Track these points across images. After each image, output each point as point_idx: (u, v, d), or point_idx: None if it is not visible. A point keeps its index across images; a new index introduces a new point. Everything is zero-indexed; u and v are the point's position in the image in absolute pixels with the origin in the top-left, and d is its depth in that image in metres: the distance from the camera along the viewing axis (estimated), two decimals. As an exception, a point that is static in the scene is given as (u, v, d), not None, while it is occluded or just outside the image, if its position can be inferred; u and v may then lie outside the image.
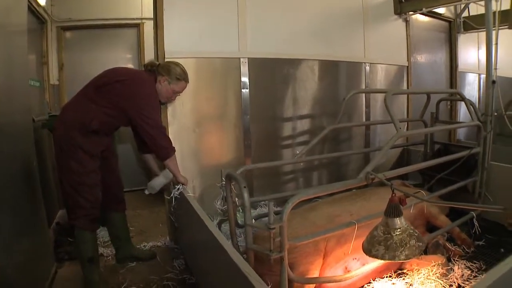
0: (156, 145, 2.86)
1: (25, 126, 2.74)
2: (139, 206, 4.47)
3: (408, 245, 1.95)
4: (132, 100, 2.77)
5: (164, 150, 2.90)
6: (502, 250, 3.11)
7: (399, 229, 1.99)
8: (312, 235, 2.23)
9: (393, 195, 2.04)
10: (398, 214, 2.01)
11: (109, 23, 5.32)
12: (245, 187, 2.14)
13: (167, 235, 3.56)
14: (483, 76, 6.35)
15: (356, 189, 3.06)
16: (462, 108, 5.98)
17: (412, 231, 2.03)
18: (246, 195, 2.11)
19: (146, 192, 3.17)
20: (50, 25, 5.02)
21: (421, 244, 2.02)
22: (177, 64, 3.07)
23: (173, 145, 2.96)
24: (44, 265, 2.85)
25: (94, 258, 2.85)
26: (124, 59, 5.49)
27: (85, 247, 2.81)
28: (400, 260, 1.93)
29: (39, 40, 4.86)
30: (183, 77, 3.06)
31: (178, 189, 3.03)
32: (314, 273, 2.44)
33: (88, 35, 5.30)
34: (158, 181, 3.12)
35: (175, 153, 2.98)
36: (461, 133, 6.07)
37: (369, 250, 2.00)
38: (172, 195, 3.09)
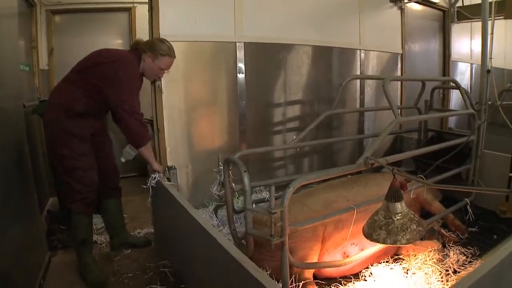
0: (130, 132, 2.78)
1: (16, 111, 2.67)
2: (131, 193, 4.40)
3: (409, 230, 1.95)
4: (111, 83, 2.70)
5: (138, 138, 2.82)
6: (495, 236, 3.15)
7: (400, 214, 1.98)
8: (312, 220, 2.23)
9: (394, 179, 2.04)
10: (399, 198, 2.00)
11: (100, 6, 5.22)
12: (245, 171, 2.11)
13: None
14: (475, 65, 6.41)
15: (351, 175, 3.04)
16: (453, 96, 6.02)
17: (412, 215, 2.03)
18: (246, 179, 2.08)
19: (122, 159, 3.14)
20: (40, 8, 4.89)
21: (421, 228, 2.02)
22: (162, 40, 2.97)
23: (167, 129, 2.95)
24: (37, 253, 2.81)
25: (87, 240, 2.85)
26: (115, 44, 5.38)
27: (80, 230, 2.81)
28: (401, 244, 1.93)
29: (28, 24, 4.73)
30: (167, 53, 2.92)
31: (154, 178, 2.94)
32: (313, 258, 2.45)
33: (78, 19, 5.19)
34: (126, 153, 3.11)
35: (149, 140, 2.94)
36: (451, 122, 6.11)
37: (370, 234, 1.99)
38: (148, 184, 2.98)
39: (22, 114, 2.84)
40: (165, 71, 3.02)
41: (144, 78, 2.99)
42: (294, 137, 3.19)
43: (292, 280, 2.33)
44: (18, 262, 2.30)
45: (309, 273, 2.40)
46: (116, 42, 5.44)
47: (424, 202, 3.15)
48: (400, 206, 2.00)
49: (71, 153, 2.72)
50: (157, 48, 2.89)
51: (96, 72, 2.71)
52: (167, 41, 2.97)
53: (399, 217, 1.97)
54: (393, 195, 2.00)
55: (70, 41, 5.13)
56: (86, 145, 2.79)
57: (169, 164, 3.32)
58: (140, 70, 2.90)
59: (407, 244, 1.95)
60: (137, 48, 2.93)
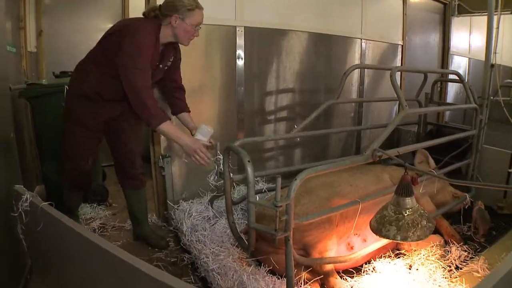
0: (138, 110, 2.41)
1: (1, 94, 2.50)
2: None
3: (419, 226, 1.88)
4: (118, 53, 2.36)
5: (148, 117, 2.41)
6: (494, 232, 3.13)
7: (410, 209, 1.91)
8: (320, 213, 2.13)
9: (406, 173, 1.95)
10: (410, 193, 1.93)
11: (92, -13, 5.01)
12: (249, 161, 1.99)
13: (153, 211, 3.39)
14: (473, 60, 6.38)
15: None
16: (450, 90, 5.99)
17: (422, 211, 1.96)
18: (250, 169, 1.95)
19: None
20: (28, -13, 4.69)
21: (431, 224, 1.95)
22: None
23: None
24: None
25: (73, 210, 2.89)
26: (107, 29, 5.17)
27: (66, 200, 2.84)
28: (412, 241, 1.86)
29: (15, 3, 4.52)
30: (195, 5, 2.50)
31: (26, 199, 2.09)
32: (333, 249, 2.37)
33: (69, 0, 4.98)
34: None
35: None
36: (445, 115, 6.10)
37: (380, 230, 1.91)
38: (20, 209, 2.11)
39: (8, 97, 2.68)
40: (199, 26, 2.59)
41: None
42: (296, 126, 3.08)
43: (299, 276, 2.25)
44: (2, 251, 2.16)
45: (329, 265, 2.33)
46: (108, 26, 5.20)
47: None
48: (410, 201, 1.93)
49: (68, 134, 2.64)
50: (180, 5, 2.47)
51: (108, 44, 2.47)
52: None
53: (409, 213, 1.90)
54: (404, 189, 1.93)
55: (60, 23, 4.90)
56: (85, 133, 2.62)
57: (163, 152, 3.19)
58: (164, 37, 2.55)
59: (417, 240, 1.87)
60: (155, 16, 2.55)
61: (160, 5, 2.54)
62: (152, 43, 2.45)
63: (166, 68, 2.72)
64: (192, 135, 2.68)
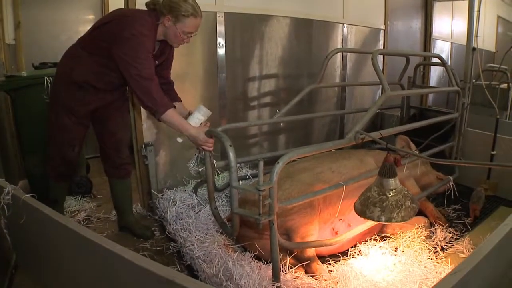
0: (140, 99, 2.34)
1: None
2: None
3: (403, 206, 1.88)
4: (116, 42, 2.30)
5: (152, 105, 2.33)
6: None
7: (394, 190, 1.91)
8: (303, 196, 2.13)
9: (388, 154, 1.95)
10: (393, 174, 1.93)
11: (70, -22, 4.90)
12: (230, 145, 1.97)
13: (138, 202, 3.36)
14: (456, 45, 6.42)
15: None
16: (433, 75, 6.02)
17: (406, 192, 1.96)
18: (232, 154, 1.94)
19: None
20: (4, -23, 4.57)
21: (415, 205, 1.96)
22: None
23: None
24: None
25: (58, 202, 2.85)
26: (86, 20, 5.08)
27: (51, 191, 2.79)
28: (396, 221, 1.86)
29: (-9, -5, 4.42)
30: (191, 13, 2.37)
31: (8, 192, 2.06)
32: (315, 234, 2.36)
33: (47, -10, 4.87)
34: (192, 119, 2.52)
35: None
36: (428, 99, 6.12)
37: (364, 211, 1.91)
38: (1, 203, 2.07)
39: (-13, 91, 2.62)
40: (192, 34, 2.50)
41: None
42: (278, 111, 3.05)
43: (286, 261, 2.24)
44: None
45: (311, 251, 2.32)
46: (88, 17, 5.14)
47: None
48: (394, 182, 1.93)
49: (54, 121, 2.56)
50: (177, 8, 2.37)
51: (102, 33, 2.38)
52: None
53: (393, 194, 1.90)
54: (387, 171, 1.92)
55: (38, 15, 4.79)
56: (72, 119, 2.54)
57: (145, 140, 3.14)
58: (158, 34, 2.47)
59: (402, 221, 1.87)
60: (154, 9, 2.45)
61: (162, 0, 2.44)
62: (151, 35, 2.38)
63: (158, 64, 2.64)
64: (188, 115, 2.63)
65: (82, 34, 2.55)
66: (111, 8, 4.91)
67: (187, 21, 2.39)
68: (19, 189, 2.10)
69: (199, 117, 2.53)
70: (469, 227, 2.92)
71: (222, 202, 3.07)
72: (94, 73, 2.42)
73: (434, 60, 4.42)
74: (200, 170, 2.71)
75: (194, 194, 3.08)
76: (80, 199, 3.53)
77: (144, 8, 2.49)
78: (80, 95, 2.50)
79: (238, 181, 2.96)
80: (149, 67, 2.32)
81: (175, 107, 2.48)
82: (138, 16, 2.38)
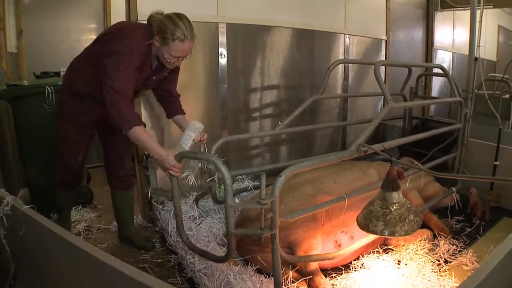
0: (111, 111, 2.20)
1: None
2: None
3: (407, 220, 1.86)
4: (104, 55, 2.26)
5: (119, 120, 2.20)
6: (483, 223, 3.15)
7: (397, 204, 1.89)
8: (305, 210, 2.10)
9: (391, 167, 1.93)
10: (396, 188, 1.91)
11: (73, -14, 4.92)
12: (223, 163, 1.86)
13: (139, 213, 3.34)
14: (457, 55, 6.42)
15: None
16: (435, 85, 6.01)
17: (409, 205, 1.94)
18: (225, 171, 1.79)
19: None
20: (8, -14, 4.59)
21: (418, 219, 1.94)
22: (175, 19, 2.30)
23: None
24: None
25: (63, 211, 2.88)
26: (88, 29, 5.11)
27: (57, 201, 2.83)
28: (399, 235, 1.84)
29: (-6, 3, 4.44)
30: (177, 37, 2.27)
31: (7, 203, 2.01)
32: (318, 248, 2.33)
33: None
34: (184, 137, 2.54)
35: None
36: (430, 110, 6.11)
37: (367, 225, 1.88)
38: (1, 213, 2.04)
39: (-12, 99, 2.62)
40: (183, 58, 2.43)
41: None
42: (280, 122, 3.04)
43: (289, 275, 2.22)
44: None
45: (314, 264, 2.29)
46: (90, 26, 5.16)
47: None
48: (397, 196, 1.91)
49: (58, 132, 2.60)
50: (164, 30, 2.28)
51: (100, 45, 2.38)
52: (185, 18, 2.34)
53: (396, 207, 1.88)
54: (390, 184, 1.91)
55: (40, 23, 4.81)
56: (75, 129, 2.56)
57: (146, 152, 3.13)
58: (153, 51, 2.41)
59: (405, 235, 1.85)
60: (151, 25, 2.38)
61: (157, 16, 2.36)
62: (140, 51, 2.31)
63: (161, 79, 2.64)
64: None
65: (84, 44, 2.59)
66: (113, 18, 4.97)
67: (173, 45, 2.30)
68: (18, 200, 2.08)
69: (190, 135, 2.53)
70: (477, 230, 2.94)
71: (223, 214, 3.04)
72: (93, 84, 2.38)
73: (436, 70, 4.41)
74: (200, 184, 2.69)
75: (195, 206, 3.06)
76: (81, 209, 3.52)
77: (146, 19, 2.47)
78: (82, 105, 2.51)
79: (237, 194, 2.95)
80: (125, 82, 2.22)
81: (145, 125, 2.43)
82: (132, 31, 2.35)
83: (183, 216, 2.94)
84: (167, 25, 2.28)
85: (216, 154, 2.56)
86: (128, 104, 2.26)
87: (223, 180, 1.85)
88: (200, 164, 2.56)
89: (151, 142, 2.25)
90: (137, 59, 2.29)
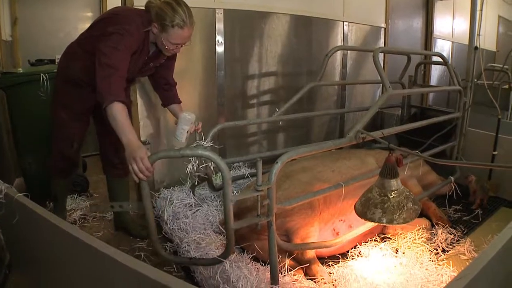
0: (101, 83, 2.06)
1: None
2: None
3: (405, 208, 1.84)
4: (101, 40, 2.17)
5: (102, 92, 2.04)
6: (481, 212, 3.13)
7: (395, 191, 1.87)
8: (303, 197, 2.08)
9: (390, 154, 1.90)
10: (395, 175, 1.89)
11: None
12: (221, 159, 1.82)
13: (134, 200, 3.30)
14: (456, 44, 6.38)
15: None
16: (434, 73, 5.98)
17: (408, 193, 1.91)
18: (224, 166, 1.75)
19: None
20: (0, -27, 4.52)
21: (417, 207, 1.91)
22: (174, 5, 2.23)
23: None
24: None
25: (58, 199, 2.84)
26: (84, 17, 5.06)
27: (52, 187, 2.79)
28: (398, 223, 1.81)
29: (-13, -9, 4.37)
30: (176, 23, 2.22)
31: (1, 191, 1.94)
32: (315, 235, 2.32)
33: (44, -13, 4.83)
34: (178, 130, 2.52)
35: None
36: (429, 99, 6.09)
37: (364, 213, 1.86)
38: None
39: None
40: (182, 45, 2.38)
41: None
42: (277, 110, 3.01)
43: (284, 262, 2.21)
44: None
45: (311, 252, 2.27)
46: (85, 14, 5.10)
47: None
48: (395, 183, 1.88)
49: (53, 117, 2.57)
50: (163, 17, 2.22)
51: (95, 30, 2.31)
52: (184, 4, 2.27)
53: (395, 195, 1.86)
54: (389, 171, 1.88)
55: (35, 11, 4.76)
56: (69, 115, 2.52)
57: (142, 138, 3.10)
58: (151, 37, 2.36)
59: (403, 223, 1.83)
60: (149, 11, 2.32)
61: (155, 2, 2.29)
62: (138, 36, 2.25)
63: (158, 66, 2.61)
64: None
65: (79, 31, 2.52)
66: (109, 5, 4.90)
67: (172, 32, 2.25)
68: (12, 188, 2.05)
69: (183, 128, 2.51)
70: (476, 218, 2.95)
71: (220, 202, 3.01)
72: (88, 70, 2.30)
73: (435, 59, 4.37)
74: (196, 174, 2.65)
75: (191, 194, 3.03)
76: (76, 197, 3.49)
77: (143, 6, 2.40)
78: (76, 92, 2.47)
79: (234, 182, 2.91)
80: (121, 60, 2.14)
81: (129, 109, 2.35)
82: (129, 15, 2.28)
83: (178, 203, 2.94)
84: (166, 11, 2.22)
85: (212, 141, 2.56)
86: (119, 80, 2.13)
87: (220, 172, 1.82)
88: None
89: (127, 124, 2.03)
90: (134, 43, 2.24)
